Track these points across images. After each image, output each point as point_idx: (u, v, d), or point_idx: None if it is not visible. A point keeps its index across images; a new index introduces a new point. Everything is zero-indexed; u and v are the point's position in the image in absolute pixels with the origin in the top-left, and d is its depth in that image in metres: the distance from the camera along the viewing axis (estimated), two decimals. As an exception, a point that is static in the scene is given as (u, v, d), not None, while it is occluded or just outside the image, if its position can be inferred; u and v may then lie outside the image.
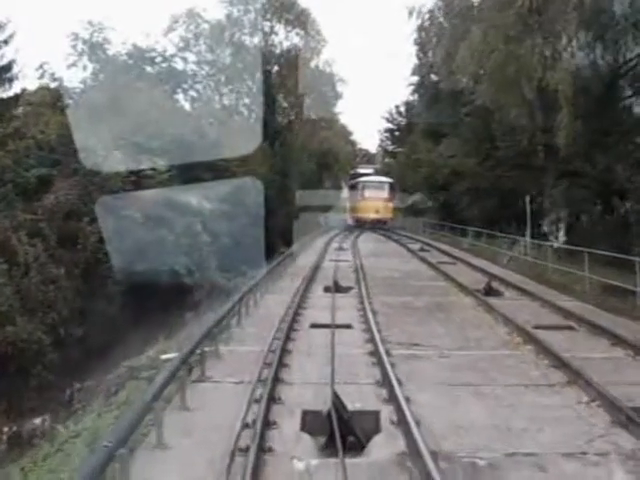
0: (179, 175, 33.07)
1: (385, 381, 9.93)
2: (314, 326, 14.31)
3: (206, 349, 10.83)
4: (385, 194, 54.64)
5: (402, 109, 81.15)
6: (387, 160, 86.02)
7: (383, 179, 57.71)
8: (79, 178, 28.60)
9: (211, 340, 11.48)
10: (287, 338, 12.71)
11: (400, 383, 9.58)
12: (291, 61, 48.23)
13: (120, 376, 14.77)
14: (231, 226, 35.31)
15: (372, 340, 12.58)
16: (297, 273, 23.56)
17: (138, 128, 34.18)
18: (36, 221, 25.67)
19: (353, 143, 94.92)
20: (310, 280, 21.35)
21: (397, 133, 79.77)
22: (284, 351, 11.68)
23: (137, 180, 31.41)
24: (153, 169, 31.98)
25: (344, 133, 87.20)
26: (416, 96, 61.72)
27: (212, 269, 30.89)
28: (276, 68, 49.01)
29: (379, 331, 13.16)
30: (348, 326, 14.25)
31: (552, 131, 26.74)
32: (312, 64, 51.29)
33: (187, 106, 48.73)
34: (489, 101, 31.70)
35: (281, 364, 10.83)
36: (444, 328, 14.31)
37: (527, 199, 28.17)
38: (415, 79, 58.87)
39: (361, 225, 53.72)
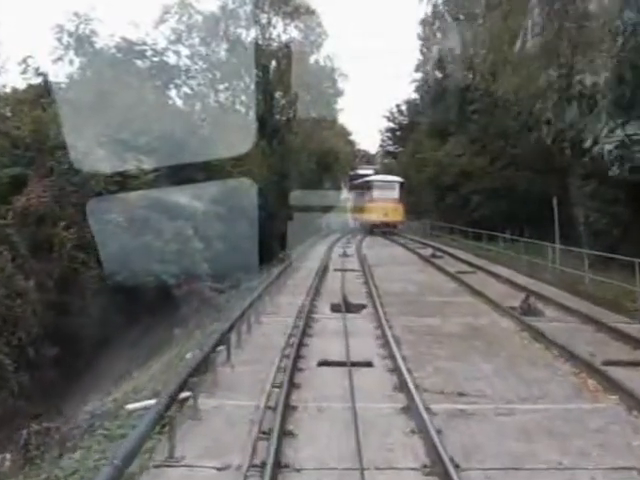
0: (169, 175, 29.97)
1: (435, 465, 6.76)
2: (324, 364, 11.12)
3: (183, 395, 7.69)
4: (395, 195, 48.79)
5: (403, 108, 78.36)
6: (386, 161, 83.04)
7: (393, 178, 51.49)
8: (55, 178, 25.43)
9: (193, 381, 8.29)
10: (290, 384, 9.52)
11: (457, 468, 6.46)
12: (290, 56, 45.03)
13: (79, 426, 11.59)
14: (225, 230, 32.20)
15: (402, 387, 9.42)
16: (299, 285, 20.38)
17: (125, 125, 31.17)
18: (3, 227, 22.46)
19: (352, 143, 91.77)
20: (315, 295, 18.19)
21: (399, 133, 76.80)
22: (287, 407, 8.50)
23: (122, 181, 28.31)
24: (139, 169, 28.81)
25: (343, 133, 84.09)
26: (419, 94, 58.55)
27: (204, 277, 27.71)
28: (274, 63, 45.76)
29: (408, 371, 10.00)
30: (368, 364, 11.07)
31: (583, 127, 23.50)
32: (312, 59, 48.15)
33: (180, 103, 45.68)
34: (511, 92, 28.43)
35: (283, 432, 7.63)
36: (490, 364, 11.11)
37: (555, 201, 24.98)
38: (419, 76, 55.78)
39: (369, 229, 48.75)
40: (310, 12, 46.54)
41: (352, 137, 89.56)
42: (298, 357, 11.23)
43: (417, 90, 56.27)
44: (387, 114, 78.40)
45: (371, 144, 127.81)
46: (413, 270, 25.40)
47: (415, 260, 29.79)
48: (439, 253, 31.33)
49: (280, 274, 21.63)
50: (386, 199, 47.57)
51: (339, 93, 54.69)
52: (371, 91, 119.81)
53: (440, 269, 25.11)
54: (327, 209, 68.86)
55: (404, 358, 10.86)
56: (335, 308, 16.37)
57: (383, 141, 79.96)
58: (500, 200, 42.10)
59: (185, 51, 46.11)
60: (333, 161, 59.21)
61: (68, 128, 26.26)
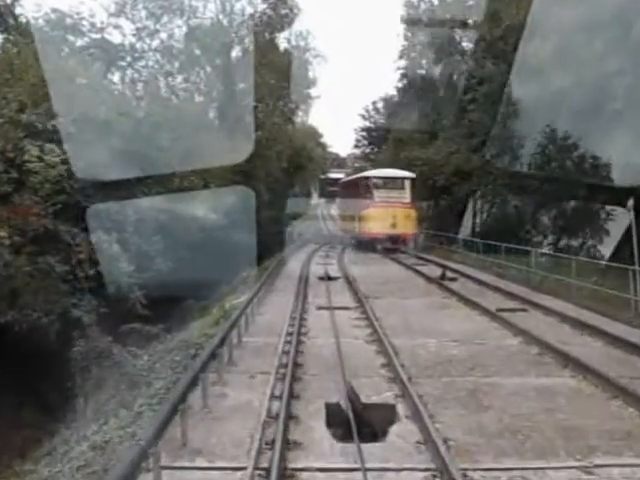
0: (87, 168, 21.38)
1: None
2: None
3: None
4: (406, 196, 34.74)
5: (380, 105, 70.18)
6: (357, 165, 74.79)
7: (402, 174, 36.35)
8: None
9: None
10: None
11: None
12: (257, 33, 36.39)
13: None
14: (167, 244, 23.73)
15: None
16: (263, 353, 11.75)
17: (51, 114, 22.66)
18: None
19: (324, 146, 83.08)
20: (292, 380, 9.51)
21: (374, 133, 68.58)
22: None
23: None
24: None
25: (313, 134, 75.28)
26: (402, 84, 50.18)
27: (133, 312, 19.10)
28: (236, 41, 37.02)
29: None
30: None
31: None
32: (282, 36, 39.61)
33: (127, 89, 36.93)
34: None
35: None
36: None
37: (630, 203, 16.77)
38: (403, 63, 47.46)
39: (368, 245, 35.06)
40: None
41: (323, 140, 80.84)
42: None
43: (402, 78, 47.85)
44: (362, 112, 70.34)
45: (341, 147, 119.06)
46: (431, 305, 16.85)
47: (423, 285, 21.28)
48: (449, 273, 22.91)
49: (235, 322, 12.91)
50: (393, 202, 34.19)
51: (311, 82, 46.09)
52: (340, 92, 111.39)
53: (468, 302, 16.68)
54: (297, 215, 60.19)
55: None
56: (336, 422, 7.75)
57: (358, 141, 71.63)
58: (508, 204, 34.23)
59: (129, 26, 37.38)
60: (306, 161, 50.48)
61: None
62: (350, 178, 46.05)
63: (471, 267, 25.30)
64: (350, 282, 21.00)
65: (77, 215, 20.72)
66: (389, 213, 33.64)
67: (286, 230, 45.28)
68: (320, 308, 15.78)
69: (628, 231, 17.16)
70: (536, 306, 16.22)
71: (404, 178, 35.78)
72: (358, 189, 37.46)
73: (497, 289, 19.51)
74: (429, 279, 21.96)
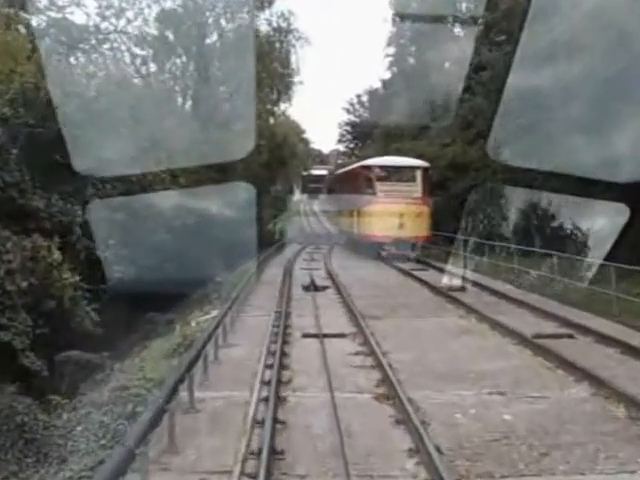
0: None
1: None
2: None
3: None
4: (417, 190, 28.15)
5: (364, 99, 66.45)
6: (340, 161, 70.98)
7: (412, 162, 29.56)
8: None
9: None
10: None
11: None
12: (233, 11, 32.43)
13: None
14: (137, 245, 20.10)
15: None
16: (221, 422, 7.92)
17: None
18: None
19: (306, 142, 79.00)
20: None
21: (359, 128, 64.86)
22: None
23: None
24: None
25: (297, 130, 71.31)
26: (391, 73, 46.48)
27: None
28: (211, 20, 33.01)
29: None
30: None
31: None
32: (262, 17, 35.62)
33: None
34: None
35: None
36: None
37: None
38: (391, 50, 43.71)
39: (371, 251, 27.61)
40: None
41: (305, 135, 76.65)
42: None
43: (390, 66, 44.11)
44: (346, 106, 66.63)
45: (324, 144, 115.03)
46: (447, 329, 13.03)
47: (429, 298, 17.43)
48: (456, 280, 19.17)
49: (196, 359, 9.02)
50: (401, 198, 27.37)
51: (295, 71, 42.17)
52: (322, 87, 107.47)
53: (493, 324, 12.95)
54: (278, 213, 56.20)
55: None
56: None
57: (342, 135, 67.86)
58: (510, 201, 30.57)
59: (93, 4, 33.31)
60: (288, 155, 46.46)
61: None
62: (345, 169, 38.83)
63: (478, 273, 21.57)
64: (341, 293, 17.21)
65: (10, 215, 16.81)
66: (396, 211, 26.83)
67: (267, 229, 41.30)
68: (306, 336, 11.95)
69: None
70: (582, 329, 12.51)
71: (415, 167, 28.87)
72: (356, 182, 30.24)
73: (520, 303, 15.81)
74: (434, 289, 18.21)
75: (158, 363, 12.07)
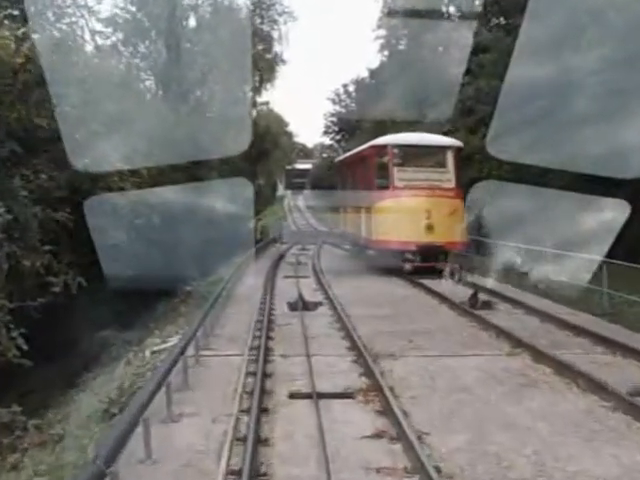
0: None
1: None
2: None
3: None
4: (449, 178, 20.66)
5: (351, 88, 62.54)
6: (326, 155, 67.25)
7: (442, 140, 22.02)
8: None
9: None
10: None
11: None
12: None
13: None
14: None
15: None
16: None
17: None
18: None
19: (290, 135, 74.88)
20: None
21: (345, 119, 60.91)
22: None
23: None
24: None
25: (281, 122, 67.21)
26: (383, 55, 42.51)
27: None
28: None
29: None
30: None
31: None
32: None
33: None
34: None
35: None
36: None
37: None
38: (382, 33, 39.74)
39: (386, 260, 20.20)
40: None
41: (289, 129, 72.47)
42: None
43: (382, 49, 40.17)
44: (332, 96, 62.71)
45: (307, 138, 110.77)
46: (499, 380, 8.85)
47: (454, 321, 13.13)
48: (483, 295, 15.12)
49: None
50: (430, 189, 20.03)
51: (279, 55, 37.98)
52: (305, 79, 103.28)
53: (562, 368, 8.99)
54: (261, 209, 52.05)
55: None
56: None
57: (327, 127, 63.99)
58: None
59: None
60: (271, 147, 42.36)
61: None
62: (351, 153, 28.30)
63: (500, 282, 17.56)
64: (338, 313, 13.16)
65: None
66: (422, 208, 19.46)
67: (248, 227, 37.12)
68: (294, 395, 7.87)
69: None
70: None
71: (446, 148, 21.03)
72: (365, 168, 22.39)
73: (572, 328, 11.88)
74: (455, 306, 14.21)
75: (83, 431, 8.01)
